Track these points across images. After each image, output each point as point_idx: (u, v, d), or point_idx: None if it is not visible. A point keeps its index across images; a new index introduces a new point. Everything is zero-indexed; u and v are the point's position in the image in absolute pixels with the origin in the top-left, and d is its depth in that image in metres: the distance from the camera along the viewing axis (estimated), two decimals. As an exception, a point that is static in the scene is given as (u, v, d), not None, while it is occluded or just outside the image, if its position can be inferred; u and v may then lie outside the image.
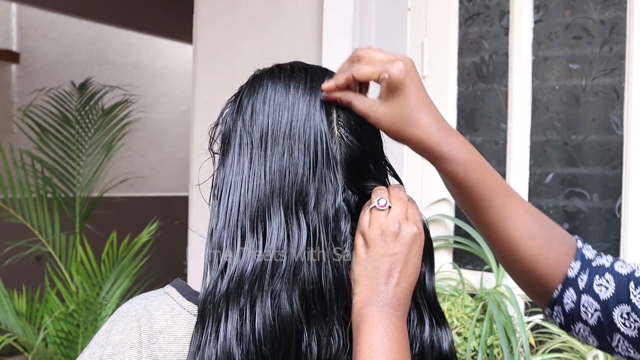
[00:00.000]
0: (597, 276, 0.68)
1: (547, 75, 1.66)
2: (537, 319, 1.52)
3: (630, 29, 1.53)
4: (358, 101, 0.66)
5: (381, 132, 0.70)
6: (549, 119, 1.66)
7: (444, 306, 1.53)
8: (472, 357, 1.48)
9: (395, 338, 0.60)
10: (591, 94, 1.61)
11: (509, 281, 1.62)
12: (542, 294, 0.71)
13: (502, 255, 0.70)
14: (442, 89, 1.75)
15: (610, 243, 1.56)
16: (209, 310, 0.63)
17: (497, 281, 1.61)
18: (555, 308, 0.70)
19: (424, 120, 0.65)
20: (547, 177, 1.65)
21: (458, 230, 1.74)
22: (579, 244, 0.72)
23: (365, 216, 0.65)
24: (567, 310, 0.69)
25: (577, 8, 1.62)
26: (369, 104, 0.66)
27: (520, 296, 1.60)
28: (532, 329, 1.53)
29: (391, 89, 0.65)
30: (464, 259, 1.74)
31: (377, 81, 0.66)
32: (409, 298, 0.64)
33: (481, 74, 1.75)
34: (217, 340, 0.61)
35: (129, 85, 4.25)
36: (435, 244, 1.74)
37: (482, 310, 1.53)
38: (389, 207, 0.65)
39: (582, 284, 0.68)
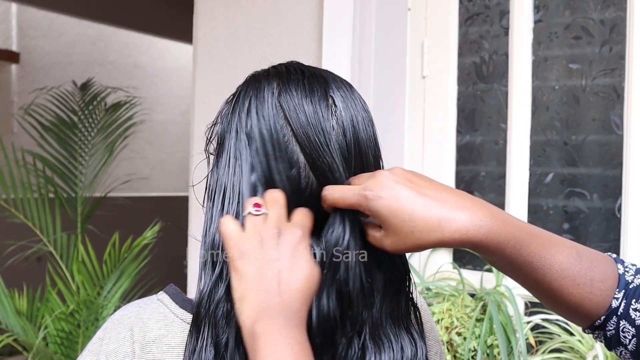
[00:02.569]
0: (633, 300, 0.65)
1: (547, 75, 1.66)
2: (537, 319, 1.52)
3: (630, 29, 1.53)
4: (369, 238, 0.63)
5: (379, 140, 0.69)
6: (549, 119, 1.66)
7: (444, 306, 1.53)
8: (472, 357, 1.48)
9: (296, 352, 0.54)
10: (591, 94, 1.61)
11: (509, 281, 1.62)
12: (584, 321, 0.69)
13: (544, 301, 0.68)
14: (442, 89, 1.75)
15: (610, 243, 1.56)
16: (205, 315, 0.62)
17: (497, 281, 1.61)
18: (597, 331, 0.68)
19: (432, 223, 0.59)
20: (547, 177, 1.65)
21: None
22: (620, 268, 0.68)
23: (231, 225, 0.61)
24: (608, 335, 0.67)
25: (577, 8, 1.62)
26: (377, 239, 0.62)
27: (520, 296, 1.60)
28: (532, 329, 1.53)
29: (378, 219, 0.61)
30: (464, 258, 1.74)
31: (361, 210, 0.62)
32: (303, 304, 0.58)
33: (481, 74, 1.75)
34: (214, 345, 0.60)
35: (131, 87, 4.26)
36: (435, 244, 1.74)
37: (482, 310, 1.54)
38: (265, 213, 0.61)
39: (620, 309, 0.66)
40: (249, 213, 0.61)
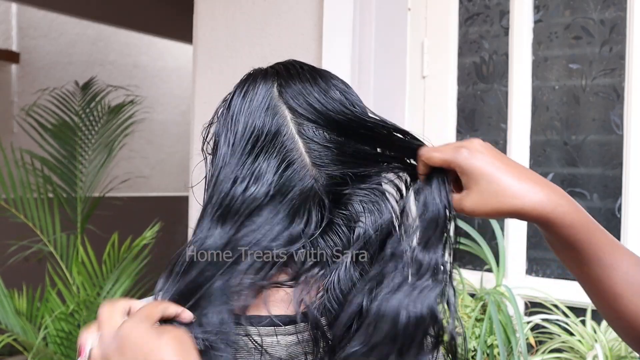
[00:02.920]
0: None
1: (547, 75, 1.66)
2: (537, 319, 1.52)
3: (630, 29, 1.53)
4: None
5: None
6: (549, 119, 1.66)
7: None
8: (472, 357, 1.48)
9: None
10: (591, 94, 1.61)
11: (509, 281, 1.62)
12: (638, 341, 0.68)
13: (604, 309, 0.68)
14: (442, 89, 1.75)
15: (610, 243, 1.56)
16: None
17: (497, 281, 1.61)
18: None
19: (514, 188, 0.62)
20: (547, 177, 1.65)
21: (458, 230, 1.73)
22: None
23: None
24: None
25: (577, 8, 1.62)
26: (456, 200, 0.64)
27: (520, 296, 1.60)
28: (532, 329, 1.53)
29: (466, 177, 0.63)
30: (464, 259, 1.74)
31: (448, 168, 0.65)
32: None
33: (481, 74, 1.75)
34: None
35: (131, 86, 4.25)
36: (435, 244, 1.74)
37: (482, 310, 1.53)
38: (91, 348, 0.59)
39: None
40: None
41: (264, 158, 0.64)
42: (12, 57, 4.77)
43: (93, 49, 5.31)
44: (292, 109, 0.64)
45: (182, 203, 2.21)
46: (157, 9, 4.52)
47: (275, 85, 0.66)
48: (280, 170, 0.63)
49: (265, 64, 0.72)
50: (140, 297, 0.76)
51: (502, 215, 0.63)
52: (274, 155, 0.63)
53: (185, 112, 5.81)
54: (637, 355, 1.33)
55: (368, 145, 0.66)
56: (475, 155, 0.63)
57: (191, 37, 1.93)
